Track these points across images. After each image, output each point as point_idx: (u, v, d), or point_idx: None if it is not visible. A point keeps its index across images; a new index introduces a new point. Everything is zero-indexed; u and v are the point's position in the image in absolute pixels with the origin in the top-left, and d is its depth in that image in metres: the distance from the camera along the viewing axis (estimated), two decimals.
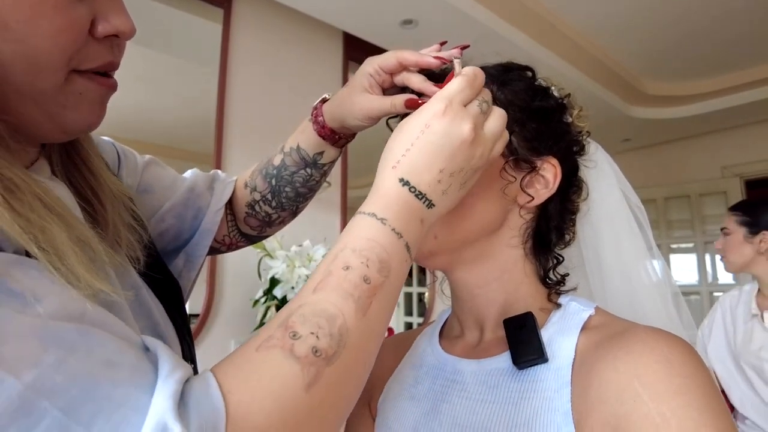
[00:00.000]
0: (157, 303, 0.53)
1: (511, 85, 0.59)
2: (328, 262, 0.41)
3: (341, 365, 0.37)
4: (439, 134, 0.45)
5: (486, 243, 0.58)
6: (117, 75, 0.48)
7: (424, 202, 0.45)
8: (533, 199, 0.57)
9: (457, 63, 0.51)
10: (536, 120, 0.58)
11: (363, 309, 0.39)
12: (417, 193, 0.44)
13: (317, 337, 0.36)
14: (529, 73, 0.61)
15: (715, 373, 1.76)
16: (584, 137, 0.63)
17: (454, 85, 0.47)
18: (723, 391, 1.75)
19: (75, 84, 0.42)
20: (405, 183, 0.44)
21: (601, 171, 0.66)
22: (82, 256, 0.37)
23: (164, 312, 0.53)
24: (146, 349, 0.36)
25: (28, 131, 0.42)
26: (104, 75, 0.45)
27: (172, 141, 2.05)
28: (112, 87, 0.46)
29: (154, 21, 1.96)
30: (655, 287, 0.66)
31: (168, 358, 0.34)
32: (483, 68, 0.61)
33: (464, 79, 0.47)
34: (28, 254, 0.34)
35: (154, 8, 1.93)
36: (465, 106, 0.46)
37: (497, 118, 0.49)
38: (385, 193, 0.44)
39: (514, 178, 0.57)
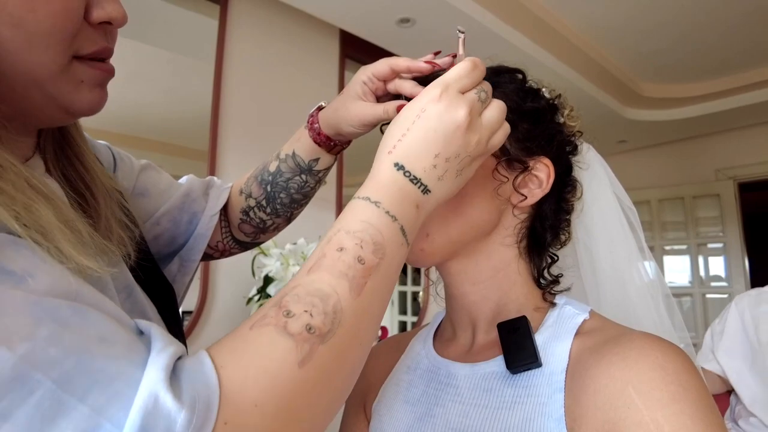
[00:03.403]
0: (150, 303, 0.53)
1: (501, 87, 0.59)
2: (323, 244, 0.41)
3: (336, 344, 0.37)
4: (433, 119, 0.45)
5: (480, 242, 0.58)
6: None
7: (419, 187, 0.44)
8: (526, 198, 0.57)
9: (461, 43, 0.51)
10: (528, 121, 0.58)
11: (357, 289, 0.39)
12: (412, 177, 0.44)
13: (311, 315, 0.36)
14: (520, 76, 0.62)
15: (724, 371, 1.76)
16: (577, 137, 0.64)
17: (452, 72, 0.47)
18: (733, 388, 1.76)
19: (76, 70, 0.43)
20: (400, 167, 0.44)
21: (593, 172, 0.66)
22: (69, 234, 0.37)
23: (157, 312, 0.53)
24: (140, 332, 0.36)
25: (32, 115, 0.43)
26: (102, 62, 0.46)
27: (167, 137, 2.04)
28: (111, 72, 0.47)
29: (149, 16, 1.95)
30: (647, 289, 0.67)
31: (161, 336, 0.35)
32: None
33: (463, 66, 0.47)
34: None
35: (150, 3, 1.92)
36: (463, 93, 0.46)
37: (496, 108, 0.48)
38: (380, 178, 0.44)
39: (507, 178, 0.57)
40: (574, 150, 0.63)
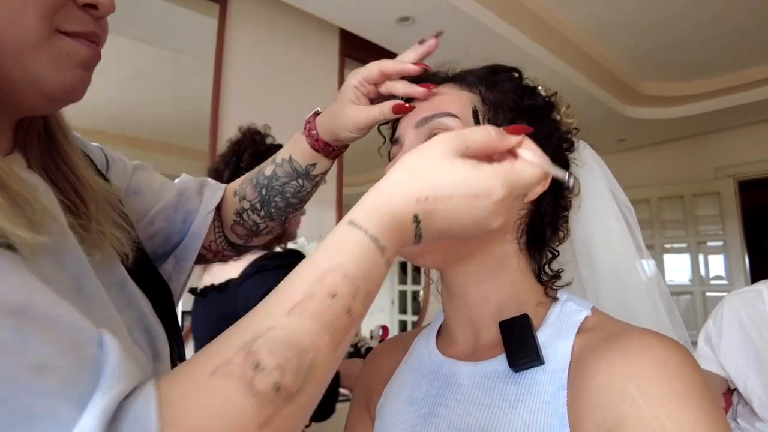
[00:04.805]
0: (145, 299, 0.53)
1: (499, 86, 0.60)
2: (312, 281, 0.36)
3: (302, 401, 0.33)
4: (478, 215, 0.42)
5: (480, 239, 0.58)
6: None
7: (416, 238, 0.43)
8: (526, 195, 0.57)
9: (568, 175, 0.48)
10: (526, 119, 0.58)
11: (337, 343, 0.35)
12: (418, 233, 0.42)
13: (283, 371, 0.32)
14: (516, 74, 0.62)
15: (731, 377, 1.74)
16: (573, 134, 0.64)
17: (530, 178, 0.44)
18: (737, 393, 1.74)
19: (60, 44, 0.42)
20: (417, 221, 0.41)
21: (590, 170, 0.66)
22: (2, 203, 0.34)
23: (152, 308, 0.53)
24: (101, 345, 0.32)
25: (6, 97, 0.41)
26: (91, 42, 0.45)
27: (167, 137, 2.04)
28: (97, 54, 0.45)
29: (149, 15, 1.94)
30: (645, 287, 0.67)
31: (115, 365, 0.31)
32: (470, 71, 0.62)
33: (540, 176, 0.45)
34: None
35: (150, 3, 1.92)
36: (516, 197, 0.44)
37: (517, 206, 0.48)
38: (395, 222, 0.40)
39: None
40: (571, 147, 0.64)
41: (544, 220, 0.60)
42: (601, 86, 3.34)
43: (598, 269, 0.66)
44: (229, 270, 1.30)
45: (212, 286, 1.32)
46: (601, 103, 3.44)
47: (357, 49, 2.60)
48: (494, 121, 0.57)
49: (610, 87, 3.45)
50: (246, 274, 1.26)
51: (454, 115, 0.57)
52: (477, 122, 0.56)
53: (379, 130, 0.67)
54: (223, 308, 1.28)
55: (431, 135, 0.57)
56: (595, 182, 0.67)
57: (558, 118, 0.62)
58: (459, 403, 0.55)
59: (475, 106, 0.57)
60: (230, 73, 2.14)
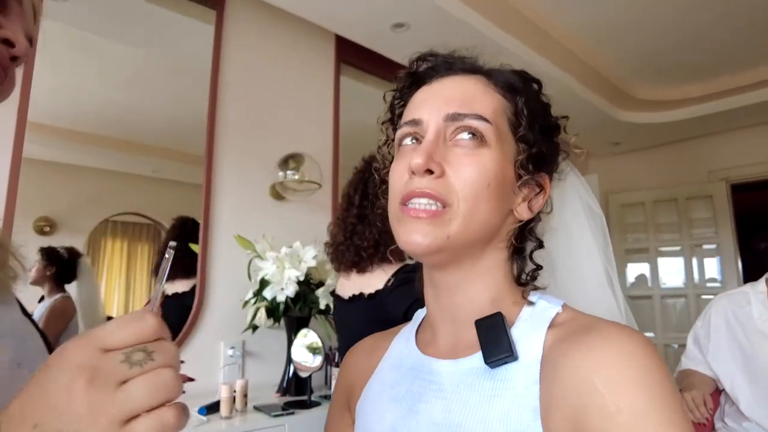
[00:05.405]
0: (28, 324, 0.51)
1: (531, 98, 0.61)
2: None
3: None
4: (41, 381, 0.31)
5: (485, 245, 0.59)
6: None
7: None
8: (537, 214, 0.61)
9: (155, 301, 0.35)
10: (547, 137, 0.61)
11: None
12: None
13: None
14: (537, 86, 0.63)
15: (718, 376, 1.75)
16: (563, 157, 0.66)
17: (108, 326, 0.32)
18: (725, 395, 1.75)
19: None
20: None
21: (568, 182, 0.69)
22: None
23: (40, 338, 0.52)
24: None
25: None
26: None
27: (165, 142, 2.05)
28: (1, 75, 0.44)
29: (147, 22, 1.96)
30: (605, 291, 0.69)
31: None
32: (500, 71, 0.60)
33: (123, 319, 0.33)
34: None
35: (148, 9, 1.93)
36: (105, 352, 0.32)
37: (156, 378, 0.32)
38: None
39: (526, 193, 0.60)
40: (555, 169, 0.66)
41: (531, 234, 0.62)
42: (595, 91, 3.36)
43: (572, 275, 0.69)
44: (370, 281, 1.45)
45: (361, 295, 1.46)
46: (595, 107, 3.46)
47: (352, 55, 2.62)
48: (529, 137, 0.58)
49: (604, 91, 3.47)
50: (393, 285, 1.40)
51: (487, 120, 0.56)
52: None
53: (384, 98, 0.66)
54: (372, 313, 1.42)
55: (458, 130, 0.56)
56: (571, 195, 0.69)
57: (556, 140, 0.64)
58: (439, 399, 0.56)
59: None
60: (227, 79, 2.15)
